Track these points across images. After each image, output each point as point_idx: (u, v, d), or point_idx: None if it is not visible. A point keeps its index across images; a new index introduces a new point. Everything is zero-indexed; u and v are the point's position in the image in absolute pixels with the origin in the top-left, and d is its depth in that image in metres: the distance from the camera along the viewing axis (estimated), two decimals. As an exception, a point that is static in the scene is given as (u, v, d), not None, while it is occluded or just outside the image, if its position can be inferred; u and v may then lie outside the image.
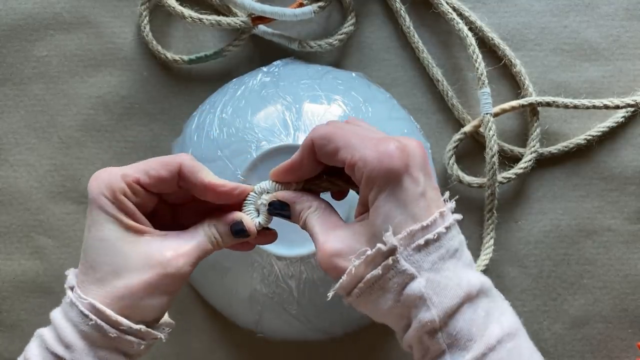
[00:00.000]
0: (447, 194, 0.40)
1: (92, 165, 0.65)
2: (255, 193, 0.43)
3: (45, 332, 0.41)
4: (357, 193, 0.41)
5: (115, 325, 0.40)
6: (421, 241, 0.37)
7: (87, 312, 0.39)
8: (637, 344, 0.62)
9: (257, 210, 0.44)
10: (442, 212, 0.38)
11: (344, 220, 0.42)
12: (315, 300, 0.55)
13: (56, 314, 0.42)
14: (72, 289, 0.41)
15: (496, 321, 0.37)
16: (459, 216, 0.40)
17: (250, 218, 0.43)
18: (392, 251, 0.37)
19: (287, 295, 0.55)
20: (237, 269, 0.56)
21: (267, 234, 0.45)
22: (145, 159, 0.42)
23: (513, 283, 0.64)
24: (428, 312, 0.37)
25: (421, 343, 0.38)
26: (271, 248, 0.53)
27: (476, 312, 0.37)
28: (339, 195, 0.45)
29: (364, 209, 0.40)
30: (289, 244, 0.53)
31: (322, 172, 0.43)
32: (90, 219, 0.41)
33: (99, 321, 0.39)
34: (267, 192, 0.43)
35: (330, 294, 0.40)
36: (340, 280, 0.38)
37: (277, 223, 0.52)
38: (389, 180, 0.37)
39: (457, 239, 0.39)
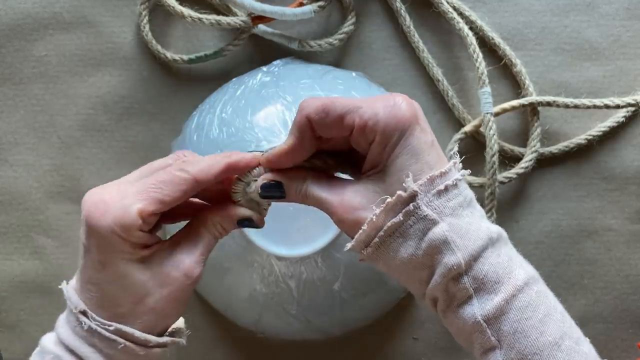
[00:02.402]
0: (455, 148, 0.40)
1: (92, 165, 0.65)
2: (242, 181, 0.41)
3: (62, 354, 0.39)
4: (344, 172, 0.41)
5: (144, 344, 0.39)
6: (441, 187, 0.37)
7: (114, 338, 0.38)
8: (638, 344, 0.62)
9: (250, 200, 0.42)
10: (455, 162, 0.39)
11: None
12: (315, 300, 0.55)
13: (75, 342, 0.39)
14: (84, 313, 0.39)
15: (520, 266, 0.37)
16: (467, 171, 0.40)
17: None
18: (413, 197, 0.36)
19: (287, 295, 0.55)
20: (237, 269, 0.56)
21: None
22: (141, 168, 0.41)
23: (513, 283, 0.64)
24: (453, 255, 0.36)
25: (446, 291, 0.37)
26: (271, 248, 0.53)
27: (500, 256, 0.37)
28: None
29: (371, 165, 0.39)
30: (289, 244, 0.53)
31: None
32: (101, 255, 0.38)
33: (127, 343, 0.38)
34: (255, 178, 0.41)
35: (348, 246, 0.39)
36: (360, 231, 0.37)
37: (276, 222, 0.52)
38: (404, 130, 0.37)
39: (469, 190, 0.39)
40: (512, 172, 0.62)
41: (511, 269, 0.37)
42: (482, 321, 0.36)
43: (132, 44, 0.65)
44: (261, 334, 0.60)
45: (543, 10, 0.65)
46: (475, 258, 0.36)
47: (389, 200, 0.37)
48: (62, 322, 0.40)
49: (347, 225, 0.39)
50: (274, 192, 0.40)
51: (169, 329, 0.42)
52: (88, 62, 0.65)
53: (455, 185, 0.37)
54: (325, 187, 0.39)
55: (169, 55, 0.64)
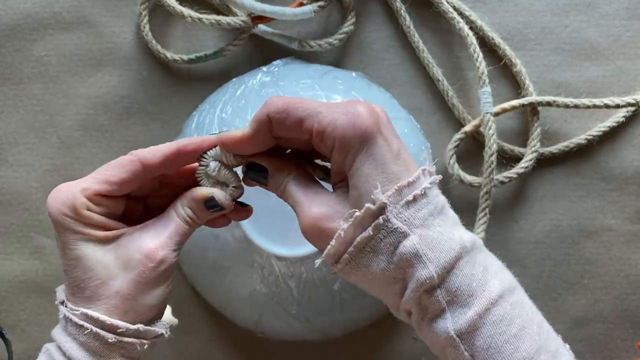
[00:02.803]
0: (424, 152, 0.39)
1: (92, 165, 0.65)
2: (205, 159, 0.40)
3: (50, 347, 0.40)
4: (325, 181, 0.40)
5: (112, 329, 0.39)
6: (410, 197, 0.35)
7: (81, 323, 0.38)
8: (638, 344, 0.62)
9: (217, 183, 0.41)
10: (424, 169, 0.37)
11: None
12: (315, 301, 0.55)
13: (56, 331, 0.40)
14: (62, 303, 0.40)
15: (495, 276, 0.36)
16: (439, 177, 0.38)
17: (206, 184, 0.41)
18: (382, 210, 0.35)
19: (287, 295, 0.55)
20: (237, 269, 0.56)
21: (241, 210, 0.42)
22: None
23: (513, 283, 0.63)
24: (425, 268, 0.35)
25: (420, 304, 0.36)
26: (271, 248, 0.53)
27: (475, 267, 0.36)
28: None
29: (339, 177, 0.38)
30: (289, 244, 0.53)
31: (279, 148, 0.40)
32: (60, 241, 0.39)
33: (94, 329, 0.38)
34: (217, 159, 0.40)
35: (317, 262, 0.38)
36: (329, 246, 0.37)
37: (277, 222, 0.52)
38: (364, 140, 0.36)
39: (441, 197, 0.37)
40: (512, 172, 0.62)
41: (486, 280, 0.35)
42: (455, 336, 0.35)
43: (132, 44, 0.65)
44: (261, 334, 0.60)
45: (543, 10, 0.65)
46: (448, 270, 0.35)
47: (357, 214, 0.36)
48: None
49: (310, 235, 0.38)
50: (258, 176, 0.40)
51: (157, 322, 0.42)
52: (88, 62, 0.65)
53: (424, 195, 0.36)
54: (302, 189, 0.38)
55: (169, 55, 0.64)
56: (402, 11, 0.64)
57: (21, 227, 0.65)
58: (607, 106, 0.62)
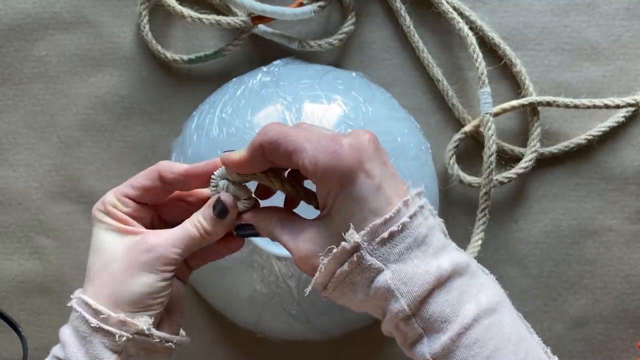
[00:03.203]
0: (409, 181, 0.40)
1: (92, 165, 0.65)
2: (214, 179, 0.43)
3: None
4: (309, 203, 0.43)
5: (95, 314, 0.40)
6: (385, 234, 0.37)
7: (75, 307, 0.41)
8: (638, 344, 0.62)
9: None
10: (405, 201, 0.38)
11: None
12: (315, 301, 0.55)
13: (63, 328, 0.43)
14: (76, 296, 0.43)
15: (472, 299, 0.37)
16: (423, 201, 0.39)
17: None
18: (356, 248, 0.37)
19: (287, 295, 0.55)
20: (237, 269, 0.56)
21: (235, 241, 0.45)
22: (145, 161, 0.46)
23: (513, 283, 0.63)
24: (397, 302, 0.37)
25: (398, 330, 0.39)
26: (271, 248, 0.53)
27: (449, 293, 0.37)
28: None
29: (323, 207, 0.40)
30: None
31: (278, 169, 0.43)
32: (93, 238, 0.43)
33: (82, 312, 0.41)
34: (224, 178, 0.43)
35: (307, 290, 0.40)
36: (316, 275, 0.39)
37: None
38: (343, 180, 0.37)
39: (425, 224, 0.38)
40: (512, 172, 0.62)
41: (461, 305, 0.37)
42: (431, 359, 0.37)
43: (132, 44, 0.65)
44: (261, 334, 0.60)
45: (543, 10, 0.65)
46: (421, 301, 0.37)
47: (334, 250, 0.38)
48: None
49: (302, 269, 0.41)
50: (248, 232, 0.43)
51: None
52: (88, 62, 0.65)
53: (401, 230, 0.37)
54: (286, 230, 0.41)
55: (169, 55, 0.64)
56: (402, 11, 0.64)
57: (21, 227, 0.65)
58: (607, 106, 0.62)
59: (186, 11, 0.61)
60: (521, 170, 0.62)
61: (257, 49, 0.65)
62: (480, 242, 0.61)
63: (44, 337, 0.65)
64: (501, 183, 0.62)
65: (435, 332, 0.37)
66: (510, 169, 0.62)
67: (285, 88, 0.58)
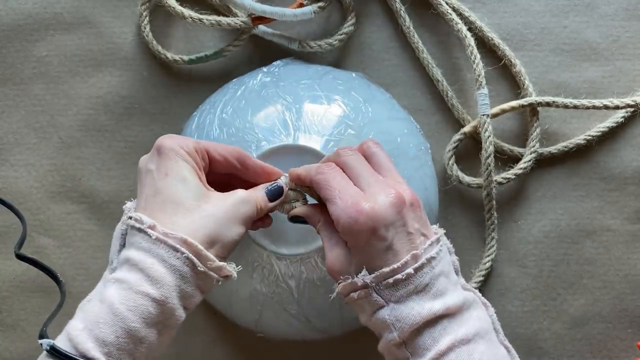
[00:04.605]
0: (436, 226, 0.48)
1: (92, 165, 0.65)
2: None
3: (122, 274, 0.43)
4: None
5: (204, 260, 0.44)
6: (390, 280, 0.44)
7: (177, 246, 0.43)
8: (637, 344, 0.62)
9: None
10: (414, 254, 0.45)
11: None
12: (315, 300, 0.55)
13: (133, 254, 0.43)
14: (152, 227, 0.43)
15: (452, 333, 0.44)
16: (436, 248, 0.46)
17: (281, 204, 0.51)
18: (365, 285, 0.45)
19: (287, 295, 0.55)
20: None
21: (268, 219, 0.52)
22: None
23: (513, 283, 0.64)
24: (391, 333, 0.45)
25: (390, 352, 0.46)
26: (271, 248, 0.53)
27: (435, 330, 0.44)
28: None
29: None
30: (289, 244, 0.53)
31: None
32: (166, 166, 0.45)
33: (189, 254, 0.43)
34: (285, 185, 0.51)
35: (332, 297, 0.48)
36: (337, 289, 0.47)
37: (277, 222, 0.52)
38: (357, 241, 0.45)
39: (430, 274, 0.45)
40: (512, 173, 0.62)
41: (441, 337, 0.44)
42: None
43: (133, 44, 0.66)
44: (261, 334, 0.60)
45: (542, 11, 0.65)
46: (411, 335, 0.44)
47: (349, 281, 0.46)
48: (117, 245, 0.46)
49: (330, 274, 0.48)
50: (298, 222, 0.51)
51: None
52: (89, 63, 0.65)
53: (405, 279, 0.44)
54: (328, 237, 0.48)
55: (170, 55, 0.64)
56: (401, 12, 0.64)
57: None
58: (606, 107, 0.62)
59: (187, 12, 0.62)
60: (520, 171, 0.62)
61: (257, 50, 0.65)
62: (494, 241, 0.63)
63: (44, 337, 0.65)
64: (500, 183, 0.62)
65: (418, 357, 0.44)
66: (509, 170, 0.63)
67: (285, 88, 0.58)
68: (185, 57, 0.64)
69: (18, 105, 0.66)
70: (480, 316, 0.46)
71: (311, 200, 0.52)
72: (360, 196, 0.46)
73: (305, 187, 0.51)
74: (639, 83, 0.64)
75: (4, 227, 0.65)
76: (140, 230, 0.43)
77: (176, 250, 0.43)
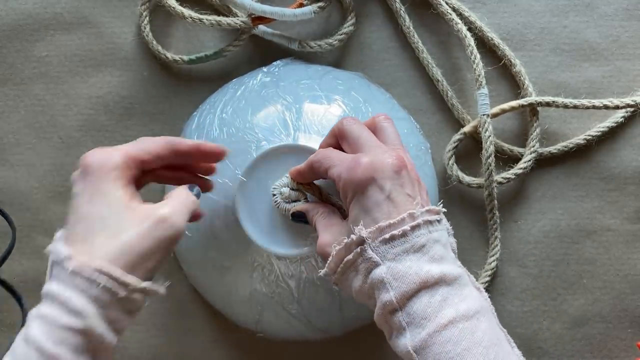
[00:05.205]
0: (440, 203, 0.47)
1: (93, 165, 0.65)
2: (277, 186, 0.53)
3: (44, 309, 0.42)
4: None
5: (124, 285, 0.42)
6: (386, 236, 0.43)
7: (93, 277, 0.41)
8: (637, 344, 0.62)
9: (284, 198, 0.53)
10: (411, 214, 0.44)
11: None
12: (315, 300, 0.55)
13: (54, 287, 0.42)
14: (69, 258, 0.42)
15: (453, 306, 0.43)
16: (437, 220, 0.45)
17: (283, 205, 0.52)
18: (361, 242, 0.44)
19: (287, 295, 0.55)
20: (237, 269, 0.56)
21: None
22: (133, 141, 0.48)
23: (513, 283, 0.64)
24: (387, 293, 0.43)
25: (386, 322, 0.44)
26: (271, 247, 0.53)
27: (433, 297, 0.43)
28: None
29: (347, 211, 0.47)
30: (289, 244, 0.53)
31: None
32: (92, 188, 0.44)
33: (106, 284, 0.41)
34: (286, 186, 0.52)
35: (321, 272, 0.48)
36: (329, 260, 0.47)
37: (277, 222, 0.52)
38: (356, 190, 0.45)
39: (427, 237, 0.44)
40: (511, 173, 0.62)
41: (441, 308, 0.42)
42: (412, 351, 0.42)
43: (133, 44, 0.66)
44: (261, 334, 0.60)
45: (542, 11, 0.65)
46: (408, 297, 0.43)
47: (345, 241, 0.45)
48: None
49: (320, 255, 0.49)
50: (299, 220, 0.52)
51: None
52: (89, 63, 0.66)
53: (401, 236, 0.44)
54: (324, 223, 0.49)
55: (170, 55, 0.64)
56: (401, 12, 0.64)
57: (21, 227, 0.65)
58: (606, 107, 0.62)
59: (187, 12, 0.62)
60: (520, 171, 0.62)
61: (257, 50, 0.65)
62: (497, 241, 0.63)
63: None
64: (500, 183, 0.62)
65: (416, 328, 0.42)
66: (509, 169, 0.63)
67: (285, 88, 0.58)
68: (185, 57, 0.64)
69: (18, 105, 0.66)
70: (480, 296, 0.45)
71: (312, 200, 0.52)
72: (361, 155, 0.46)
73: (307, 186, 0.52)
74: (638, 83, 0.64)
75: (4, 227, 0.65)
76: (57, 262, 0.43)
77: (92, 281, 0.41)
